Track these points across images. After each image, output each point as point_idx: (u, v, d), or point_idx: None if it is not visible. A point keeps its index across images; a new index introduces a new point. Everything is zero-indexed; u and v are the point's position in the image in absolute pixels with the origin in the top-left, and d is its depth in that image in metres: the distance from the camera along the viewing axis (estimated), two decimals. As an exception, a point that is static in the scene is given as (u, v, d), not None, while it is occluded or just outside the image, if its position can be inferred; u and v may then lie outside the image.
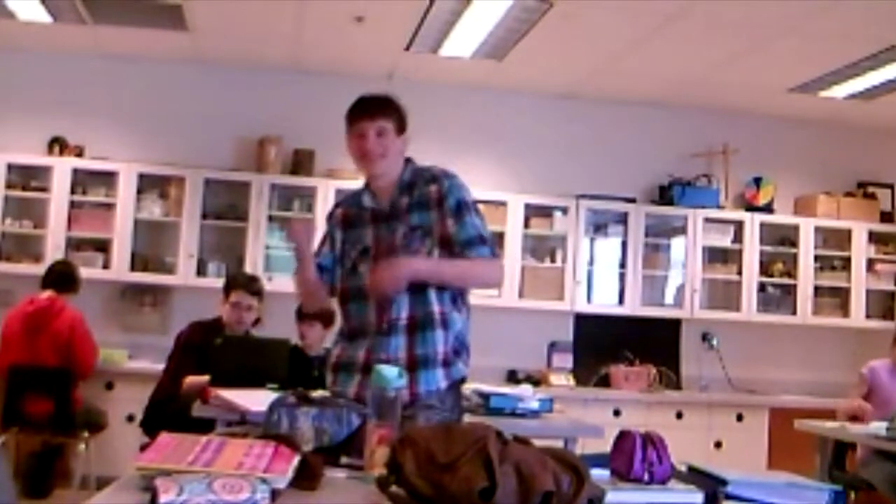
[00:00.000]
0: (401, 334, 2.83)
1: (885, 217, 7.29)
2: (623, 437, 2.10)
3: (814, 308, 7.03)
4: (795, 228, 7.09)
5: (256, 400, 3.40)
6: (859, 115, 6.93)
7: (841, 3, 4.83)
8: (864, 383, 5.18)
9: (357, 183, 7.13)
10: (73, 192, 6.32)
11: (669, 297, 7.14)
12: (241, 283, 4.81)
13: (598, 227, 7.02)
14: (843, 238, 7.13)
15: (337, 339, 3.04)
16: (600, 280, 7.03)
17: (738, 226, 7.03)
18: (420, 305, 2.84)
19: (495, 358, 6.30)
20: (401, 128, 2.95)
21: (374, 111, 2.93)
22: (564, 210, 6.82)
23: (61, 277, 5.60)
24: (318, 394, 2.60)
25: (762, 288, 7.05)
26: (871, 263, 7.15)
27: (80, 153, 6.47)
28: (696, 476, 2.11)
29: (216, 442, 1.86)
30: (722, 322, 6.99)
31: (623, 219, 6.93)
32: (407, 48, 5.98)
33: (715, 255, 7.14)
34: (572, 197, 6.85)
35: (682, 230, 7.00)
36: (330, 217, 3.17)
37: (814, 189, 7.26)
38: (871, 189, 7.36)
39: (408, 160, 3.01)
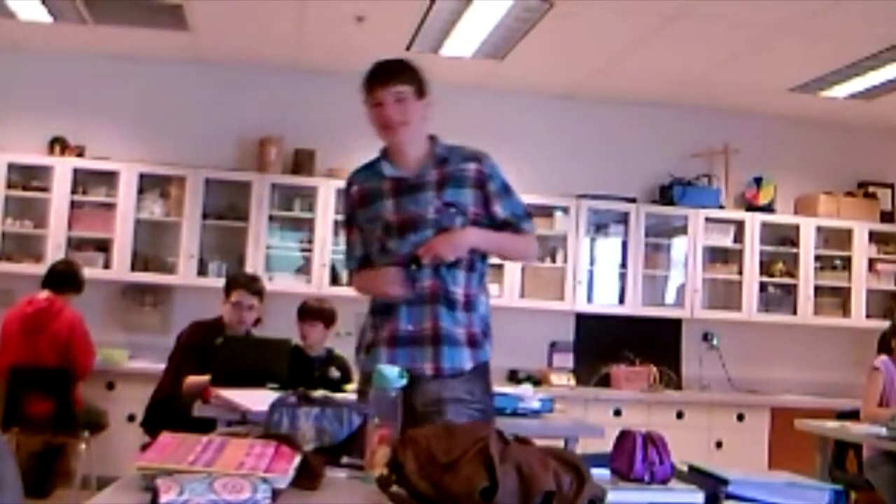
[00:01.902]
0: (426, 304, 2.77)
1: (886, 217, 7.29)
2: (624, 437, 2.10)
3: (814, 308, 7.03)
4: (796, 228, 7.09)
5: (257, 400, 3.39)
6: (860, 114, 6.93)
7: (841, 3, 4.82)
8: (881, 375, 5.16)
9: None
10: (73, 191, 6.33)
11: (670, 297, 7.14)
12: (241, 282, 4.81)
13: (599, 227, 7.02)
14: (843, 238, 7.13)
15: (367, 319, 2.93)
16: (601, 280, 7.03)
17: (739, 226, 7.03)
18: (445, 282, 2.77)
19: (496, 358, 6.17)
20: (421, 91, 2.81)
21: (388, 77, 2.77)
22: (565, 210, 6.82)
23: (60, 277, 5.59)
24: (318, 394, 2.60)
25: (763, 288, 7.05)
26: (871, 263, 7.15)
27: (80, 153, 6.47)
28: (696, 476, 2.11)
29: (217, 442, 1.87)
30: (723, 322, 6.99)
31: (624, 219, 6.93)
32: (408, 48, 5.98)
33: (716, 255, 7.14)
34: (573, 197, 6.86)
35: (683, 230, 6.99)
36: (349, 198, 2.95)
37: (814, 189, 7.26)
38: (871, 189, 7.36)
39: (432, 137, 2.87)
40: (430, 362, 2.74)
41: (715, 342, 7.03)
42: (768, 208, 7.16)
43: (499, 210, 2.83)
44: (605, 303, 6.94)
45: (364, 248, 2.92)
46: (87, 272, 5.85)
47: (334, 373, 4.71)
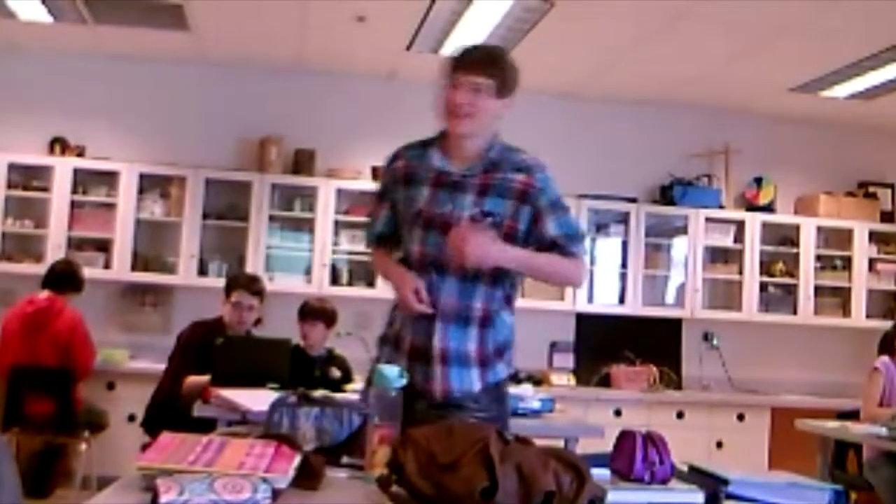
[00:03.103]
0: (437, 321, 2.60)
1: (886, 217, 7.29)
2: (624, 437, 2.10)
3: (815, 308, 7.03)
4: (796, 228, 7.08)
5: (257, 400, 3.40)
6: (860, 114, 6.92)
7: (841, 3, 4.82)
8: (882, 376, 5.17)
9: (361, 183, 7.05)
10: (74, 191, 6.33)
11: (670, 297, 7.14)
12: (242, 282, 4.81)
13: (600, 227, 7.01)
14: (844, 238, 7.13)
15: (392, 312, 2.75)
16: (601, 280, 7.02)
17: (739, 225, 7.03)
18: (465, 296, 2.62)
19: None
20: (503, 90, 2.65)
21: (473, 65, 2.60)
22: (565, 210, 6.80)
23: (60, 277, 5.60)
24: (319, 394, 2.60)
25: (763, 288, 7.05)
26: (872, 263, 7.15)
27: (81, 153, 6.47)
28: (697, 476, 2.11)
29: (217, 442, 1.87)
30: (723, 322, 6.99)
31: (624, 218, 6.93)
32: (408, 48, 5.97)
33: (716, 255, 7.14)
34: (573, 197, 6.81)
35: (684, 230, 6.99)
36: (390, 170, 2.75)
37: (815, 189, 7.26)
38: (872, 189, 7.36)
39: (493, 137, 2.71)
40: (439, 382, 2.60)
41: (715, 342, 7.03)
42: (768, 208, 7.16)
43: (550, 228, 2.66)
44: (605, 303, 6.94)
45: (387, 227, 2.78)
46: (87, 272, 5.85)
47: (335, 373, 4.72)
